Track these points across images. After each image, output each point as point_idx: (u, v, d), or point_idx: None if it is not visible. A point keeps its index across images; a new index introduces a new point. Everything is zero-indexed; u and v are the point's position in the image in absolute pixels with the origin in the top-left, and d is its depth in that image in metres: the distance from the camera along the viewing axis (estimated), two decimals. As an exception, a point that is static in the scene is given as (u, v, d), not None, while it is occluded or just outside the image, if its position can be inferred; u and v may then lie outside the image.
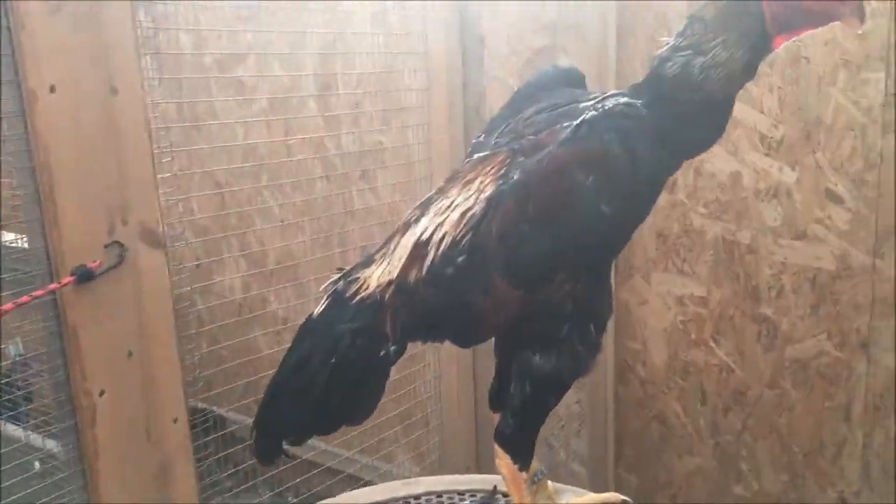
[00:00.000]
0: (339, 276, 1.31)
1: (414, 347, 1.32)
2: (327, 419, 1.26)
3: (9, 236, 1.45)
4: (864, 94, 2.08)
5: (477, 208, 1.20)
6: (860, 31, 1.16)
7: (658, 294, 2.49)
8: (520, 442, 1.28)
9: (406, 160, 2.38)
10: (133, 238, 1.31)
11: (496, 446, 1.30)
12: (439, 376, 2.64)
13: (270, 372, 1.30)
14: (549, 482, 1.46)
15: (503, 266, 1.18)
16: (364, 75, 2.57)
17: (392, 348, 1.25)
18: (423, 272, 1.22)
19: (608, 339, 2.50)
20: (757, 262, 2.29)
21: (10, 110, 1.23)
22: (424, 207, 1.29)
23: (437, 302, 1.22)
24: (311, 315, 1.30)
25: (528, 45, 2.54)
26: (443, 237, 1.22)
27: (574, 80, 1.40)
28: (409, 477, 2.66)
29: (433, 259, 1.22)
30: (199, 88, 3.01)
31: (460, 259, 1.20)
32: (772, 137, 2.23)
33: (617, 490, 2.66)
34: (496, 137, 1.32)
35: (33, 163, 1.24)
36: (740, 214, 2.30)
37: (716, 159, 2.31)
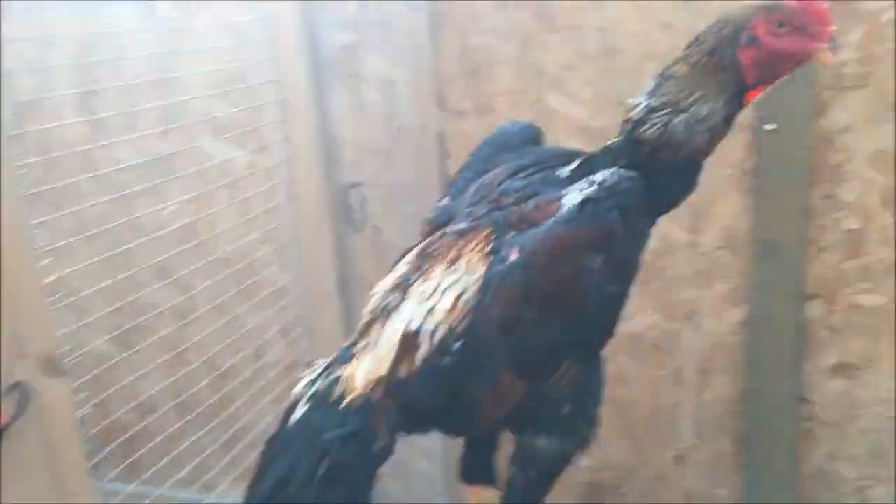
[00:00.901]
0: (314, 376, 1.15)
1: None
2: None
3: None
4: (673, 84, 2.21)
5: (471, 292, 1.12)
6: (836, 61, 1.20)
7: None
8: None
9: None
10: (34, 372, 1.04)
11: None
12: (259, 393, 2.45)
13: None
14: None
15: (508, 356, 1.11)
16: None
17: (381, 446, 1.13)
18: (417, 365, 1.11)
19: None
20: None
21: None
22: (403, 290, 1.16)
23: (433, 395, 1.13)
24: (284, 424, 1.13)
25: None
26: (436, 327, 1.11)
27: (533, 137, 1.34)
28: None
29: (428, 350, 1.11)
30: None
31: (456, 346, 1.11)
32: (591, 128, 2.31)
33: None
34: (469, 206, 1.21)
35: None
36: (567, 203, 2.37)
37: (538, 151, 2.35)
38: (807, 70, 2.01)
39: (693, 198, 2.21)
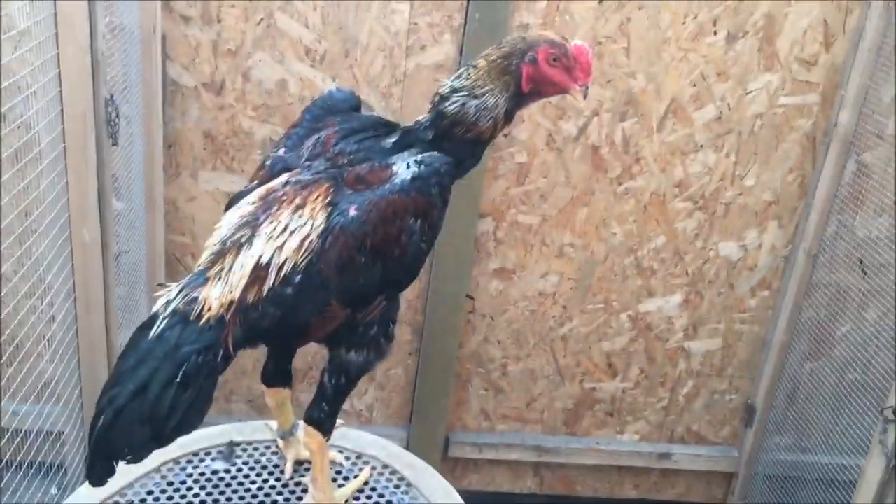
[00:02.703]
0: (173, 294, 1.32)
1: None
2: (168, 433, 1.29)
3: None
4: (392, 22, 2.49)
5: (314, 236, 1.33)
6: (583, 104, 1.51)
7: (206, 191, 2.63)
8: (331, 421, 1.50)
9: None
10: None
11: (307, 426, 1.50)
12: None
13: None
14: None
15: (338, 291, 1.35)
16: None
17: (225, 357, 1.32)
18: (264, 292, 1.32)
19: (159, 235, 2.58)
20: (301, 160, 2.61)
21: None
22: (253, 228, 1.35)
23: (273, 319, 1.34)
24: (143, 335, 1.28)
25: None
26: (284, 262, 1.32)
27: (355, 104, 1.53)
28: None
29: (274, 281, 1.32)
30: None
31: (297, 279, 1.33)
32: (315, 51, 2.50)
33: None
34: (307, 160, 1.41)
35: None
36: (286, 118, 2.56)
37: (264, 66, 2.49)
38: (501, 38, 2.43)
39: (401, 125, 2.56)
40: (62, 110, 1.70)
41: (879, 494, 2.22)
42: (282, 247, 1.33)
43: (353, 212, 1.34)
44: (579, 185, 2.70)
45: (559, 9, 2.48)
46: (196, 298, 1.31)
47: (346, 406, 2.92)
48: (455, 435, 3.01)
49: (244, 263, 1.32)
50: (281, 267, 1.32)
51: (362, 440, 1.77)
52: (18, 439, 1.80)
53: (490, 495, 3.15)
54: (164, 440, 1.29)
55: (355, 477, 1.68)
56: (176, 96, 2.51)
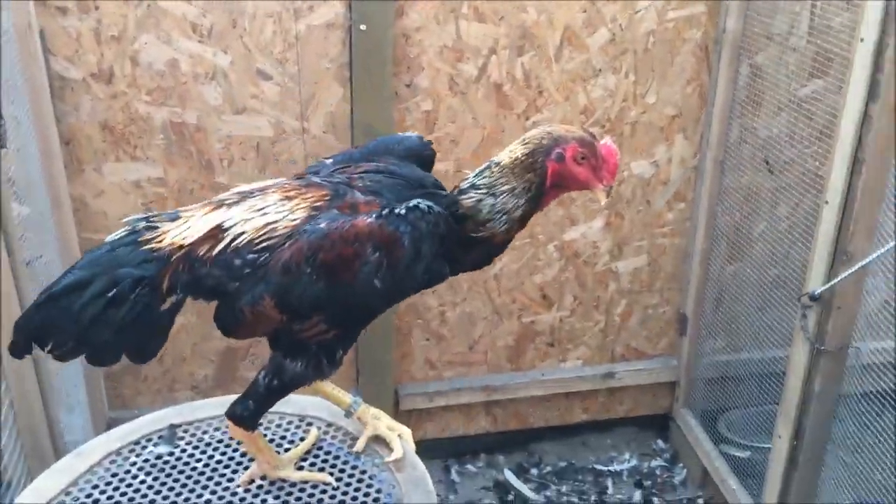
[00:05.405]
0: (145, 215, 1.39)
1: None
2: (95, 346, 1.37)
3: None
4: (278, -14, 2.45)
5: (281, 227, 1.35)
6: (604, 203, 1.48)
7: (113, 183, 2.57)
8: (254, 420, 1.50)
9: None
10: None
11: (228, 420, 1.51)
12: None
13: None
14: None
15: (275, 290, 1.35)
16: None
17: (174, 300, 1.38)
18: (213, 252, 1.36)
19: (71, 235, 2.53)
20: (206, 137, 2.57)
21: None
22: (243, 196, 1.40)
23: (215, 283, 1.38)
24: (103, 244, 1.38)
25: None
26: (241, 233, 1.35)
27: (419, 154, 1.53)
28: None
29: (225, 246, 1.36)
30: None
31: (248, 258, 1.35)
32: (202, 26, 2.45)
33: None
34: (335, 169, 1.46)
35: None
36: (183, 97, 2.51)
37: (151, 48, 2.44)
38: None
39: (300, 89, 2.54)
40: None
41: (806, 378, 2.33)
42: (248, 220, 1.36)
43: (321, 225, 1.34)
44: (488, 125, 2.72)
45: (441, -48, 2.47)
46: (157, 228, 1.38)
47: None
48: (404, 388, 3.05)
49: (211, 220, 1.38)
50: (237, 237, 1.35)
51: (304, 402, 1.78)
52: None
53: (447, 441, 3.20)
54: (88, 350, 1.37)
55: (302, 440, 1.70)
56: (65, 91, 2.44)
